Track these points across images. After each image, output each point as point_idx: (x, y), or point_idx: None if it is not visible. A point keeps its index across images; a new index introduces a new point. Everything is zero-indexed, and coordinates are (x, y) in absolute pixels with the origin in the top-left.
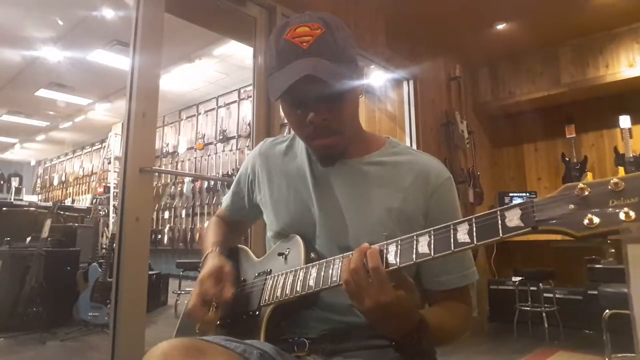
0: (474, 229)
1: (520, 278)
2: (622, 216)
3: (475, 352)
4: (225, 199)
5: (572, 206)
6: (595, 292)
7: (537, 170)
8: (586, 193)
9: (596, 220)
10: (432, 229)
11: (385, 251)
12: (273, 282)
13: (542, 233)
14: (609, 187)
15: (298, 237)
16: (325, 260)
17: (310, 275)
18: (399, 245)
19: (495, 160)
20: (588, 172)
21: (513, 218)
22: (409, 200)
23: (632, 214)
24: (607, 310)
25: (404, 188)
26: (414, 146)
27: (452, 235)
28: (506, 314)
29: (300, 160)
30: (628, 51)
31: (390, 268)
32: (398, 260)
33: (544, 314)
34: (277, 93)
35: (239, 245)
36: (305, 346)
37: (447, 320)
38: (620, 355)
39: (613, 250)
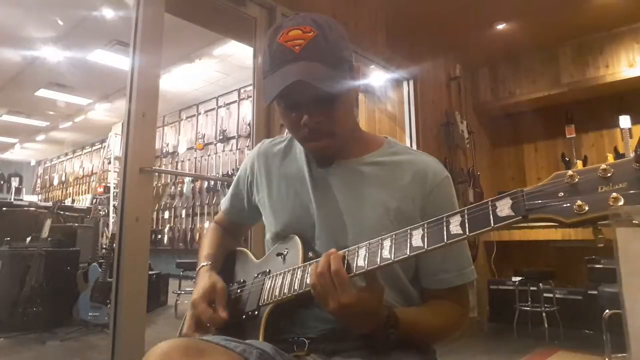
0: (466, 220)
1: (520, 278)
2: (610, 201)
3: (475, 352)
4: (224, 202)
5: (561, 193)
6: (595, 292)
7: (537, 170)
8: (576, 180)
9: (585, 206)
10: (425, 222)
11: (347, 256)
12: (272, 281)
13: (533, 222)
14: (598, 173)
15: (296, 238)
16: None
17: (307, 273)
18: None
19: (495, 160)
20: (578, 161)
21: (504, 208)
22: (407, 200)
23: (620, 199)
24: (607, 310)
25: (402, 188)
26: (414, 146)
27: (445, 227)
28: (506, 314)
29: (299, 161)
30: (628, 51)
31: (352, 273)
32: (362, 264)
33: (544, 314)
34: (269, 98)
35: (238, 248)
36: (305, 346)
37: (427, 318)
38: (620, 355)
39: (602, 236)
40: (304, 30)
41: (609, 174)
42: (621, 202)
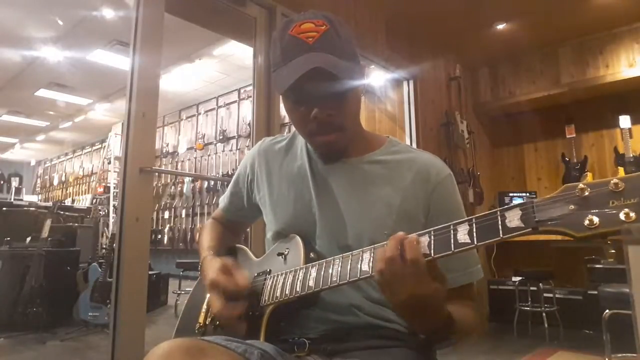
0: (474, 229)
1: (520, 278)
2: (622, 217)
3: (475, 352)
4: (223, 200)
5: (572, 206)
6: (595, 292)
7: (537, 170)
8: (586, 193)
9: (596, 220)
10: (432, 229)
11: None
12: (273, 282)
13: (543, 233)
14: (609, 187)
15: (297, 237)
16: (325, 260)
17: (310, 275)
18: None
19: (495, 160)
20: (588, 173)
21: (513, 218)
22: (409, 199)
23: (632, 214)
24: (607, 310)
25: (404, 186)
26: (414, 146)
27: (452, 235)
28: (506, 314)
29: (300, 160)
30: (628, 51)
31: (428, 258)
32: (434, 250)
33: (544, 314)
34: (285, 85)
35: (238, 245)
36: (306, 346)
37: (465, 318)
38: (620, 355)
39: (613, 251)
40: (316, 23)
41: (620, 188)
42: (633, 218)
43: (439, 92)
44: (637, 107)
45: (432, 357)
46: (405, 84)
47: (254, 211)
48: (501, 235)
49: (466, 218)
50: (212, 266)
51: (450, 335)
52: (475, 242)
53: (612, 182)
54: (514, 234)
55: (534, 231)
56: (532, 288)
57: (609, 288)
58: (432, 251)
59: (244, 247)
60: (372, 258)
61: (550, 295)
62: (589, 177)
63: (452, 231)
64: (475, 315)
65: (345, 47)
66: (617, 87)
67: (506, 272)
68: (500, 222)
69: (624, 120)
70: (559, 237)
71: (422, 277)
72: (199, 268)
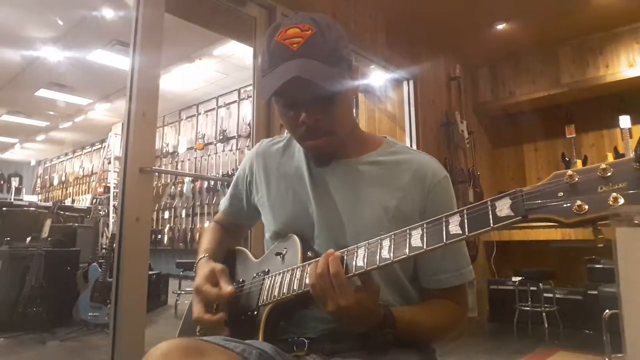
0: (465, 220)
1: (520, 278)
2: (610, 201)
3: (475, 352)
4: (223, 202)
5: (561, 193)
6: (595, 292)
7: (537, 170)
8: (575, 180)
9: (585, 206)
10: (424, 222)
11: (346, 256)
12: (270, 281)
13: (533, 222)
14: (598, 173)
15: (295, 237)
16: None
17: (306, 273)
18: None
19: (495, 160)
20: (577, 160)
21: (503, 208)
22: (406, 200)
23: (620, 198)
24: (607, 310)
25: (401, 187)
26: (414, 146)
27: (444, 227)
28: (506, 314)
29: (297, 160)
30: (628, 51)
31: (352, 274)
32: (361, 264)
33: (544, 314)
34: (267, 94)
35: (237, 247)
36: (305, 346)
37: (425, 317)
38: (620, 355)
39: (602, 236)
40: (302, 28)
41: (608, 174)
42: (621, 202)
43: (439, 92)
44: (637, 107)
45: (432, 356)
46: (405, 84)
47: (254, 213)
48: (492, 225)
49: (457, 210)
50: (202, 269)
51: (388, 333)
52: (467, 233)
53: (600, 167)
54: (505, 222)
55: (524, 219)
56: (532, 288)
57: (609, 288)
58: (424, 244)
59: (244, 249)
60: (366, 254)
61: (550, 295)
62: (578, 164)
63: (444, 223)
64: (450, 316)
65: (331, 52)
66: (617, 87)
67: (506, 272)
68: (490, 212)
69: (624, 120)
70: (558, 237)
71: (343, 290)
72: (194, 270)
